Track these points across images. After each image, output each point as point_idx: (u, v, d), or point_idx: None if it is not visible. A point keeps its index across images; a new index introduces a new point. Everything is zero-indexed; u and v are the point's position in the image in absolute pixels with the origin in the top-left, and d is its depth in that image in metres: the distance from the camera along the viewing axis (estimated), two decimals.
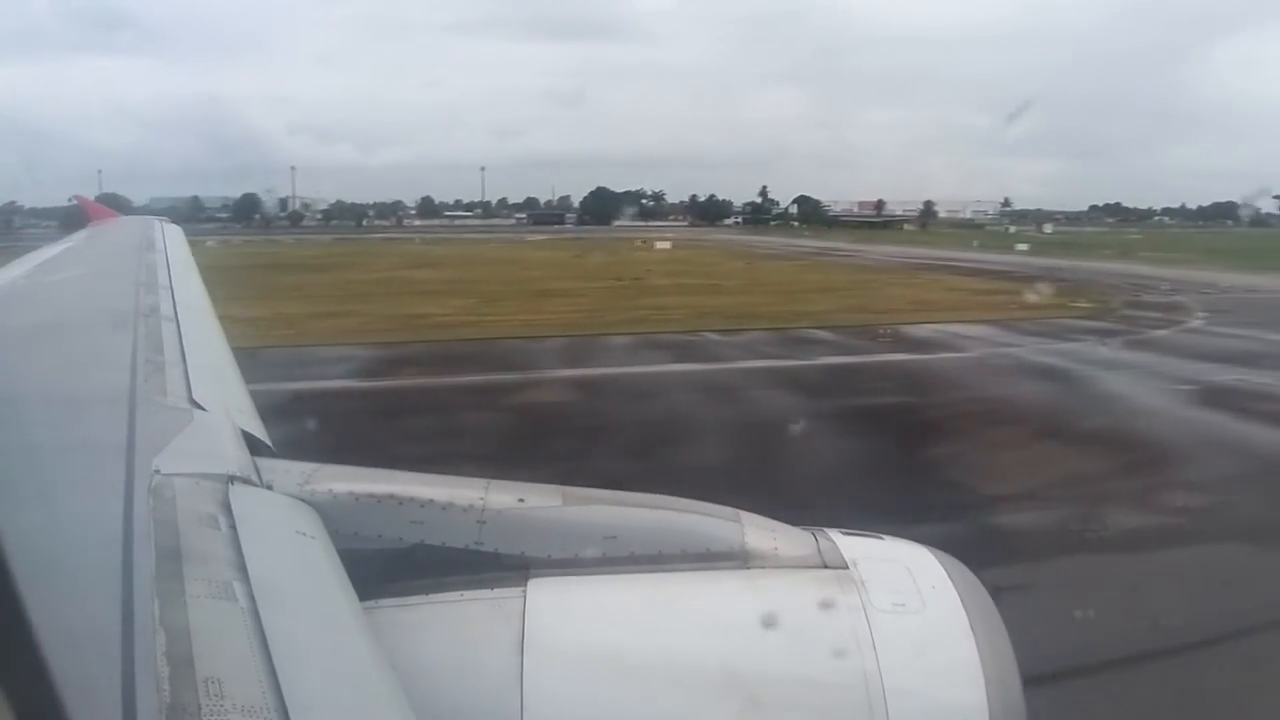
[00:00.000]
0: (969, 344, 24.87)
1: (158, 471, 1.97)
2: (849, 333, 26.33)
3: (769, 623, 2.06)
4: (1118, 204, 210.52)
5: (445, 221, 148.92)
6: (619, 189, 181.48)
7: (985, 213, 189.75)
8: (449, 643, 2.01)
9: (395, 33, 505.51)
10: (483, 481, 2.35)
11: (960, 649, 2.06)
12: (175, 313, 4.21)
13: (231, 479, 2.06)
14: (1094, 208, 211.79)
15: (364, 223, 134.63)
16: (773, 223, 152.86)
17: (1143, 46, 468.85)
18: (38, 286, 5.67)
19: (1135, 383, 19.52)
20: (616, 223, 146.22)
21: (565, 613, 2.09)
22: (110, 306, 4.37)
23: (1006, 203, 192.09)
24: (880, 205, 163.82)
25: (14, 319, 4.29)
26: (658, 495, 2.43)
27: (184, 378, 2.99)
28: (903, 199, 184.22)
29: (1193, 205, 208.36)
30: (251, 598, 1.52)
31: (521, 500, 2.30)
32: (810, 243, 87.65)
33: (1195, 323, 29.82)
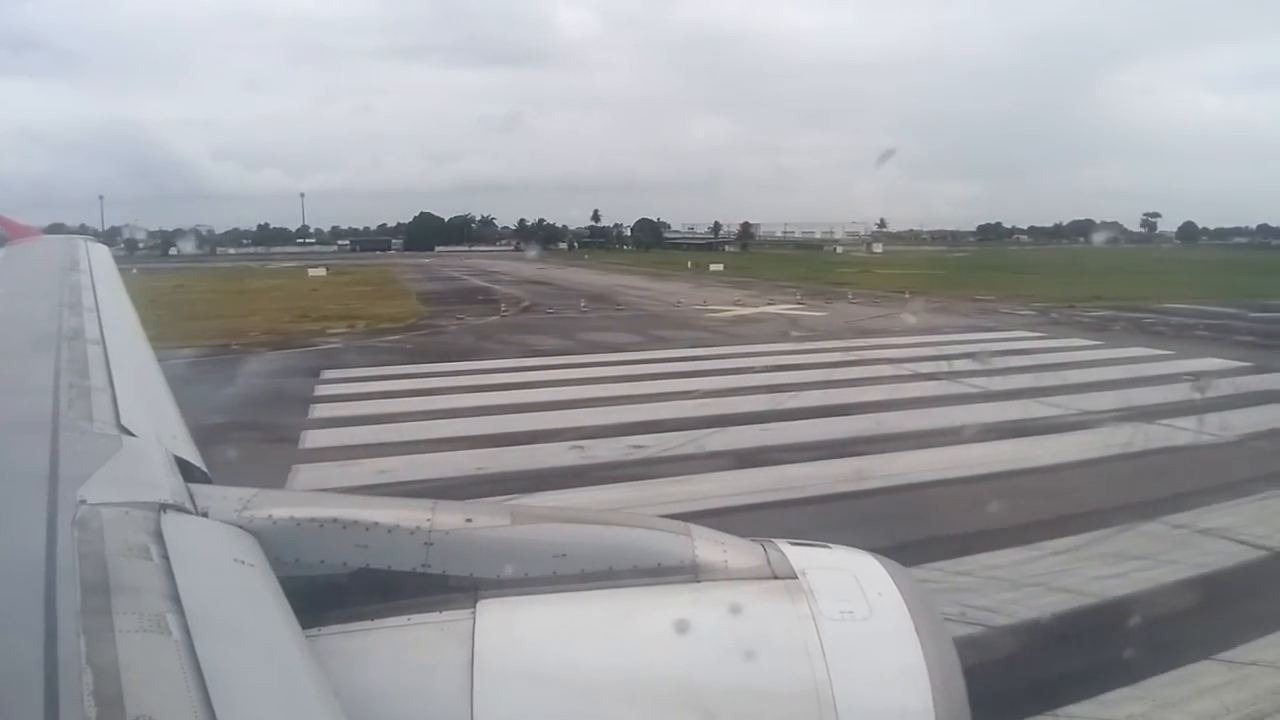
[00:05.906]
0: None
1: (83, 501, 1.87)
2: None
3: (720, 635, 2.04)
4: (998, 224, 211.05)
5: (270, 249, 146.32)
6: (539, 215, 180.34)
7: (858, 233, 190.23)
8: (397, 668, 1.95)
9: (323, 58, 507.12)
10: (429, 502, 2.29)
11: (906, 654, 2.06)
12: (102, 335, 3.88)
13: (164, 507, 1.95)
14: (980, 227, 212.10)
15: (171, 251, 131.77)
16: (610, 246, 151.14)
17: (1044, 76, 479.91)
18: None
19: None
20: (440, 247, 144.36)
21: (515, 633, 2.04)
22: (31, 329, 4.10)
23: (882, 223, 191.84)
24: (717, 228, 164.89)
25: None
26: (608, 511, 2.47)
27: (111, 402, 2.82)
28: (810, 222, 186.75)
29: (1064, 223, 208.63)
30: (186, 630, 1.45)
31: (469, 520, 2.24)
32: (529, 268, 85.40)
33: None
